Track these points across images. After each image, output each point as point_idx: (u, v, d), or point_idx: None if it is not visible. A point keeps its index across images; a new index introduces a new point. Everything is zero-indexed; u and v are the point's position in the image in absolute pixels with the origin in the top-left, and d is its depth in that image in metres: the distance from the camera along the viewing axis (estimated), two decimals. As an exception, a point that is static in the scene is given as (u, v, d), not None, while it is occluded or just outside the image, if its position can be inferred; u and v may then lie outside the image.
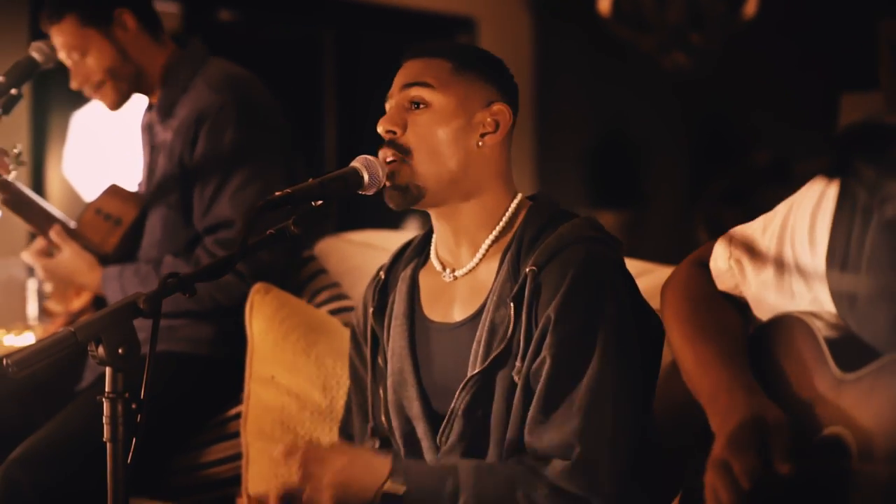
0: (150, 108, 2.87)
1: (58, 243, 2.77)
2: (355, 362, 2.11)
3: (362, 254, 2.96)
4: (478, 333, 1.86)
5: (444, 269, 1.96)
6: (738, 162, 5.61)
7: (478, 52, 1.99)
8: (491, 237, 1.92)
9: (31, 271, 3.16)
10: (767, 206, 1.72)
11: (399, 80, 1.93)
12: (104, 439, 1.59)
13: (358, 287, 2.83)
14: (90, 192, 4.19)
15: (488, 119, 1.90)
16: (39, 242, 2.81)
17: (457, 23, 6.09)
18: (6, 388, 2.67)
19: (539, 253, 1.83)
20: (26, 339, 3.08)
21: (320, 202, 1.78)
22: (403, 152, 1.87)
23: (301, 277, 2.86)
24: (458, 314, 1.93)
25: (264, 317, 2.53)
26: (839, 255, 1.53)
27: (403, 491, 1.77)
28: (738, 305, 1.73)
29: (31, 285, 3.23)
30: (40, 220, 2.79)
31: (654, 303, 1.90)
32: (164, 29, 2.82)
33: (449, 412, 1.87)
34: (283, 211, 1.75)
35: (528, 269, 1.82)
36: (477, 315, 1.89)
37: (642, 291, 1.89)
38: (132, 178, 3.02)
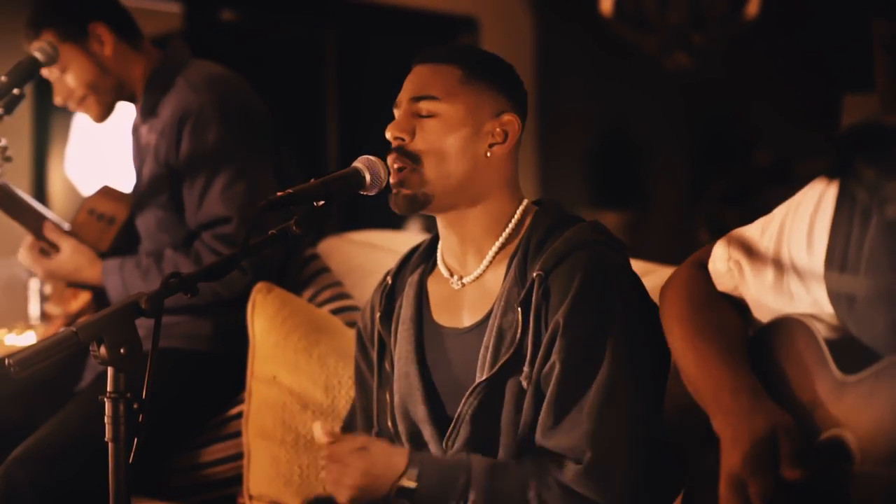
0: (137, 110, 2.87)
1: (55, 241, 2.76)
2: (361, 366, 2.12)
3: (365, 253, 2.96)
4: (485, 339, 1.87)
5: (451, 275, 1.96)
6: (739, 162, 5.61)
7: (488, 58, 1.96)
8: (497, 244, 1.92)
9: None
10: (769, 207, 1.71)
11: (407, 88, 1.91)
12: (106, 439, 1.59)
13: (360, 287, 2.83)
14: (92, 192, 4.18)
15: (497, 129, 1.89)
16: (32, 243, 2.79)
17: (459, 23, 6.08)
18: (7, 387, 2.67)
19: (546, 258, 1.83)
20: (28, 338, 3.07)
21: (322, 202, 1.78)
22: (412, 159, 1.87)
23: (303, 276, 2.86)
24: (467, 319, 1.93)
25: (266, 316, 2.53)
26: (838, 257, 1.52)
27: (416, 486, 1.81)
28: (738, 307, 1.73)
29: (33, 285, 3.22)
30: (32, 221, 2.78)
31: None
32: (142, 35, 2.79)
33: (456, 416, 1.88)
34: (284, 211, 1.75)
35: (535, 274, 1.82)
36: (485, 320, 1.89)
37: (644, 292, 1.90)
38: (131, 178, 3.02)
